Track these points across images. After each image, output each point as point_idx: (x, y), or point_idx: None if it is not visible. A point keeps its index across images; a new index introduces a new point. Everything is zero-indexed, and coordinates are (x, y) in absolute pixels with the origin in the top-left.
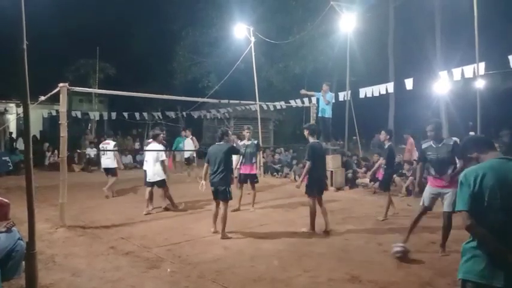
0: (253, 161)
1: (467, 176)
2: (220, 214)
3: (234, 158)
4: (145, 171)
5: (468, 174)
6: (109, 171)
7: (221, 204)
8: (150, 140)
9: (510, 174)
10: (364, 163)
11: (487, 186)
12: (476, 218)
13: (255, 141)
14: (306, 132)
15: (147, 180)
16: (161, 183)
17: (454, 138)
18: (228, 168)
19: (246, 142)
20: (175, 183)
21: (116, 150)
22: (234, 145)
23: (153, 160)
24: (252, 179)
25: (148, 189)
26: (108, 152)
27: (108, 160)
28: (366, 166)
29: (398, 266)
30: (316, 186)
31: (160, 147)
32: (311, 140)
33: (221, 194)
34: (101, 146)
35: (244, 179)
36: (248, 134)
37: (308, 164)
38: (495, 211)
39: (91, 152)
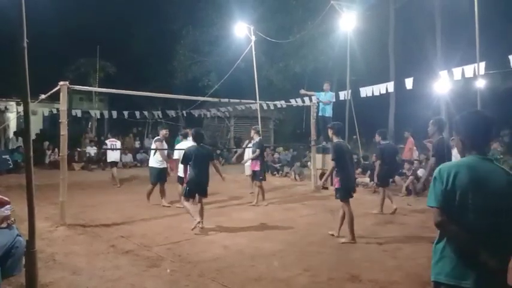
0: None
1: (441, 172)
2: (200, 207)
3: (247, 156)
4: (151, 168)
5: (442, 170)
6: (116, 164)
7: (202, 200)
8: (157, 138)
9: (485, 175)
10: (362, 163)
11: (460, 185)
12: (448, 215)
13: (258, 140)
14: (330, 132)
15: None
16: None
17: (441, 136)
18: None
19: (254, 140)
20: (174, 183)
21: (123, 149)
22: None
23: None
24: (255, 175)
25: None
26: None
27: (118, 154)
28: (362, 166)
29: (398, 265)
30: (348, 188)
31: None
32: (335, 139)
33: (205, 192)
34: (109, 143)
35: (253, 175)
36: (254, 133)
37: (332, 164)
38: (465, 212)
39: (91, 150)
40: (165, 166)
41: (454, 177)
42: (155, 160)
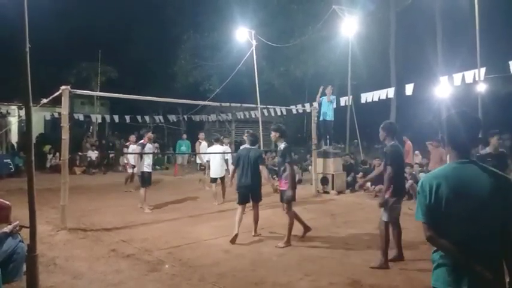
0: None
1: (423, 185)
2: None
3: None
4: (143, 173)
5: (424, 182)
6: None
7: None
8: (140, 142)
9: (466, 183)
10: (363, 167)
11: (442, 197)
12: (436, 228)
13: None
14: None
15: (213, 176)
16: (224, 178)
17: None
18: None
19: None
20: (172, 184)
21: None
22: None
23: (220, 159)
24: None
25: (213, 184)
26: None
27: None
28: (362, 170)
29: (399, 270)
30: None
31: (226, 148)
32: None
33: (253, 196)
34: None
35: None
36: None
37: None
38: (451, 223)
39: (92, 154)
40: (151, 170)
41: (436, 190)
42: (145, 165)
